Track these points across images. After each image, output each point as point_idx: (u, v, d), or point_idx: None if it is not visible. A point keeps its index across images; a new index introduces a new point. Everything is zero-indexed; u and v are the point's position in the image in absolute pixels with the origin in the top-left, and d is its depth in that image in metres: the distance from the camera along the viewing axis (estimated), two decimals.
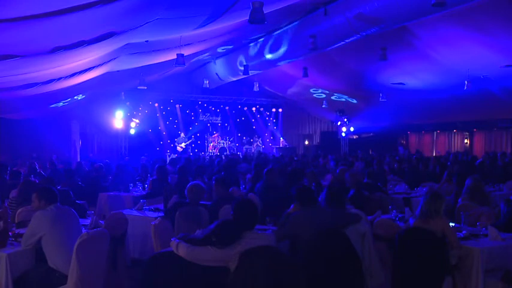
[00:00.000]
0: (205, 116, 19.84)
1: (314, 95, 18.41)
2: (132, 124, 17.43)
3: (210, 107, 19.89)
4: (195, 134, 19.37)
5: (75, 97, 13.29)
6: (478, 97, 13.81)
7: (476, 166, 9.75)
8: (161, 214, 5.54)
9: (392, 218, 5.12)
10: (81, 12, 4.62)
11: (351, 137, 20.88)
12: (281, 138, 21.29)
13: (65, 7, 4.47)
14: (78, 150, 16.63)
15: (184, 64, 9.22)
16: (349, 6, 8.62)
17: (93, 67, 8.86)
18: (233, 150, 19.70)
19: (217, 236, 3.29)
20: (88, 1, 4.43)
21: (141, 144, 17.49)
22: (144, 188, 8.13)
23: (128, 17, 5.81)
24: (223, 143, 19.92)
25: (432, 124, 19.40)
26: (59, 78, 8.85)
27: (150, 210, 6.04)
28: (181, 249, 3.37)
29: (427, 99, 15.31)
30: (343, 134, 20.28)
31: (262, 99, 20.58)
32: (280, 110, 21.49)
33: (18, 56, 6.00)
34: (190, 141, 19.12)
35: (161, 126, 18.60)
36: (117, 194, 7.76)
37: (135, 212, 5.97)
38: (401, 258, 3.97)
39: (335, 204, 4.18)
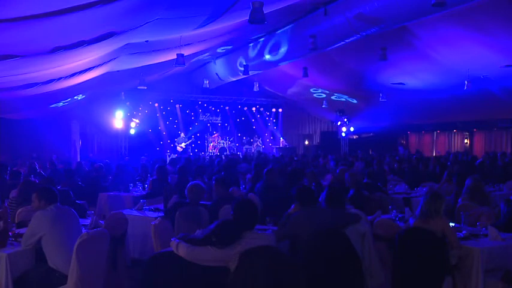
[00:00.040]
0: (205, 116, 19.84)
1: (314, 95, 18.41)
2: (132, 124, 17.43)
3: (210, 107, 19.89)
4: (195, 134, 19.37)
5: (75, 97, 13.29)
6: (478, 97, 13.81)
7: (476, 166, 9.75)
8: (161, 214, 5.54)
9: (392, 218, 5.12)
10: (81, 12, 4.62)
11: (351, 137, 20.88)
12: (281, 138, 21.29)
13: (65, 7, 4.47)
14: (78, 150, 16.63)
15: (184, 64, 9.22)
16: (349, 6, 8.62)
17: (93, 67, 8.86)
18: (233, 150, 19.70)
19: (217, 236, 3.29)
20: (88, 1, 4.43)
21: (141, 144, 17.49)
22: (144, 188, 8.13)
23: (128, 17, 5.81)
24: (223, 143, 19.92)
25: (432, 124, 19.40)
26: (59, 78, 8.85)
27: (150, 210, 6.04)
28: (181, 249, 3.37)
29: (427, 99, 15.31)
30: (343, 134, 20.28)
31: (262, 99, 20.58)
32: (280, 110, 21.49)
33: (18, 56, 6.00)
34: (190, 141, 19.12)
35: (161, 126, 18.60)
36: (117, 194, 7.76)
37: (135, 212, 5.97)
38: (401, 258, 3.97)
39: (335, 204, 4.18)
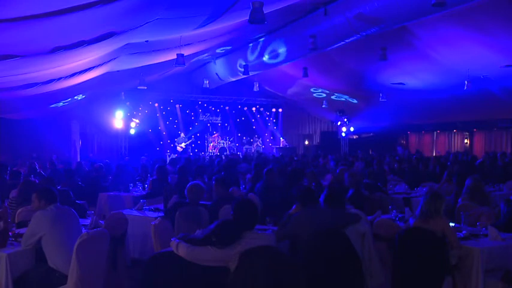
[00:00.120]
0: (205, 116, 19.83)
1: (314, 95, 18.41)
2: (132, 124, 17.42)
3: (210, 107, 19.89)
4: (195, 134, 19.37)
5: (75, 97, 13.29)
6: (478, 97, 13.80)
7: (476, 166, 9.74)
8: (161, 214, 5.54)
9: (392, 218, 5.12)
10: (81, 12, 4.62)
11: (351, 137, 20.87)
12: (281, 138, 21.29)
13: (65, 7, 4.47)
14: (78, 150, 16.63)
15: (184, 64, 9.21)
16: (349, 6, 8.62)
17: (93, 67, 8.86)
18: (233, 150, 19.70)
19: (217, 236, 3.29)
20: (88, 1, 4.43)
21: (141, 144, 17.49)
22: (144, 188, 8.13)
23: (128, 17, 5.81)
24: (223, 143, 19.92)
25: (432, 124, 19.40)
26: (59, 78, 8.85)
27: (150, 210, 6.04)
28: (181, 249, 3.37)
29: (427, 99, 15.31)
30: (343, 134, 20.28)
31: (262, 99, 20.58)
32: (280, 110, 21.48)
33: (18, 56, 6.00)
34: (190, 141, 19.12)
35: (161, 126, 18.60)
36: (117, 194, 7.76)
37: (135, 212, 5.97)
38: (401, 258, 3.97)
39: (334, 204, 4.18)
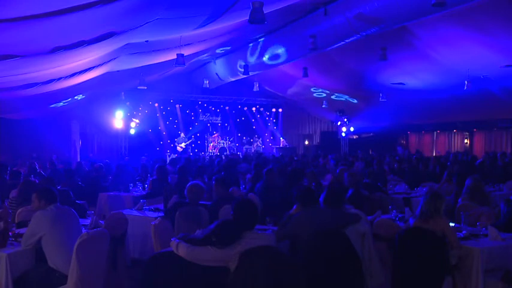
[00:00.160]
0: (205, 116, 19.83)
1: (314, 94, 18.41)
2: (132, 124, 17.43)
3: (210, 107, 19.89)
4: (195, 134, 19.37)
5: (75, 97, 13.29)
6: (478, 97, 13.80)
7: (476, 166, 9.74)
8: (161, 214, 5.54)
9: (392, 218, 5.12)
10: (81, 12, 4.62)
11: (351, 137, 20.87)
12: (281, 138, 21.29)
13: (65, 7, 4.46)
14: (78, 150, 16.63)
15: (184, 64, 9.21)
16: (349, 6, 8.62)
17: (93, 67, 8.86)
18: (233, 150, 19.70)
19: (217, 236, 3.29)
20: (88, 1, 4.43)
21: (141, 144, 17.49)
22: (144, 188, 8.13)
23: (128, 17, 5.81)
24: (223, 143, 19.92)
25: (432, 124, 19.39)
26: (59, 78, 8.85)
27: (150, 210, 6.04)
28: (181, 249, 3.37)
29: (427, 99, 15.30)
30: (343, 134, 20.28)
31: (262, 99, 20.58)
32: (280, 110, 21.48)
33: (18, 56, 6.00)
34: (190, 141, 19.12)
35: (161, 126, 18.60)
36: (117, 194, 7.76)
37: (135, 212, 5.97)
38: (401, 258, 3.97)
39: (334, 204, 4.18)
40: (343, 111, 19.35)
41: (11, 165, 9.75)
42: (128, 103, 17.03)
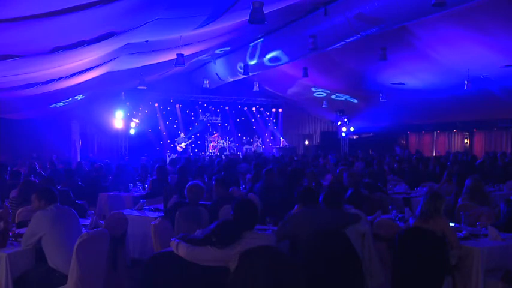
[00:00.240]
0: (205, 116, 19.83)
1: (314, 94, 18.41)
2: (132, 124, 17.42)
3: (210, 107, 19.89)
4: (195, 134, 19.37)
5: (75, 97, 13.29)
6: (478, 97, 13.80)
7: (476, 166, 9.74)
8: (161, 214, 5.54)
9: (392, 218, 5.12)
10: (81, 12, 4.62)
11: (351, 137, 20.87)
12: (281, 138, 21.29)
13: (65, 7, 4.46)
14: (78, 150, 16.62)
15: (184, 64, 9.21)
16: (349, 6, 8.62)
17: (93, 67, 8.86)
18: (233, 150, 19.70)
19: (217, 236, 3.29)
20: (88, 1, 4.43)
21: (141, 144, 17.49)
22: (144, 188, 8.13)
23: (128, 17, 5.81)
24: (223, 143, 19.92)
25: (432, 124, 19.39)
26: (59, 78, 8.84)
27: (150, 210, 6.04)
28: (181, 249, 3.37)
29: (427, 99, 15.30)
30: (343, 134, 20.28)
31: (262, 99, 20.58)
32: (280, 110, 21.48)
33: (18, 56, 6.00)
34: (190, 141, 19.12)
35: (161, 126, 18.60)
36: (117, 194, 7.76)
37: (135, 212, 5.97)
38: (401, 258, 3.97)
39: (333, 204, 4.18)
40: (343, 111, 19.35)
41: (11, 165, 9.75)
42: (128, 103, 17.03)
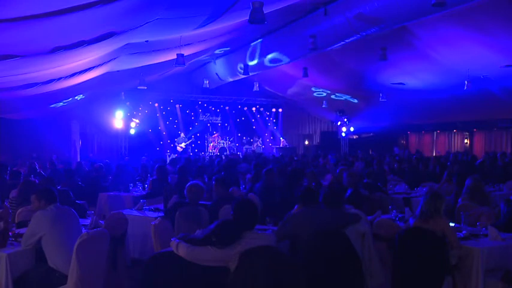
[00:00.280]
0: (205, 116, 19.83)
1: (314, 94, 18.42)
2: (132, 124, 17.43)
3: (210, 107, 19.89)
4: (195, 134, 19.37)
5: (75, 97, 13.29)
6: (478, 97, 13.80)
7: (476, 166, 9.74)
8: (161, 214, 5.54)
9: (392, 218, 5.12)
10: (81, 12, 4.62)
11: (351, 137, 20.87)
12: (281, 138, 21.29)
13: (65, 7, 4.47)
14: (78, 150, 16.63)
15: (184, 64, 9.21)
16: (349, 6, 8.63)
17: (93, 67, 8.86)
18: (233, 150, 19.70)
19: (217, 236, 3.29)
20: (88, 1, 4.43)
21: (141, 144, 17.49)
22: (144, 188, 8.13)
23: (128, 17, 5.81)
24: (223, 143, 19.92)
25: (432, 124, 19.40)
26: (59, 78, 8.85)
27: (150, 210, 6.04)
28: (181, 249, 3.37)
29: (427, 99, 15.31)
30: (343, 134, 20.28)
31: (262, 99, 20.58)
32: (280, 110, 21.48)
33: (18, 56, 6.00)
34: (190, 141, 19.12)
35: (161, 126, 18.60)
36: (117, 194, 7.76)
37: (135, 212, 5.97)
38: (401, 258, 3.97)
39: (333, 204, 4.18)
40: (343, 111, 19.36)
41: (11, 165, 9.75)
42: (128, 103, 17.03)
